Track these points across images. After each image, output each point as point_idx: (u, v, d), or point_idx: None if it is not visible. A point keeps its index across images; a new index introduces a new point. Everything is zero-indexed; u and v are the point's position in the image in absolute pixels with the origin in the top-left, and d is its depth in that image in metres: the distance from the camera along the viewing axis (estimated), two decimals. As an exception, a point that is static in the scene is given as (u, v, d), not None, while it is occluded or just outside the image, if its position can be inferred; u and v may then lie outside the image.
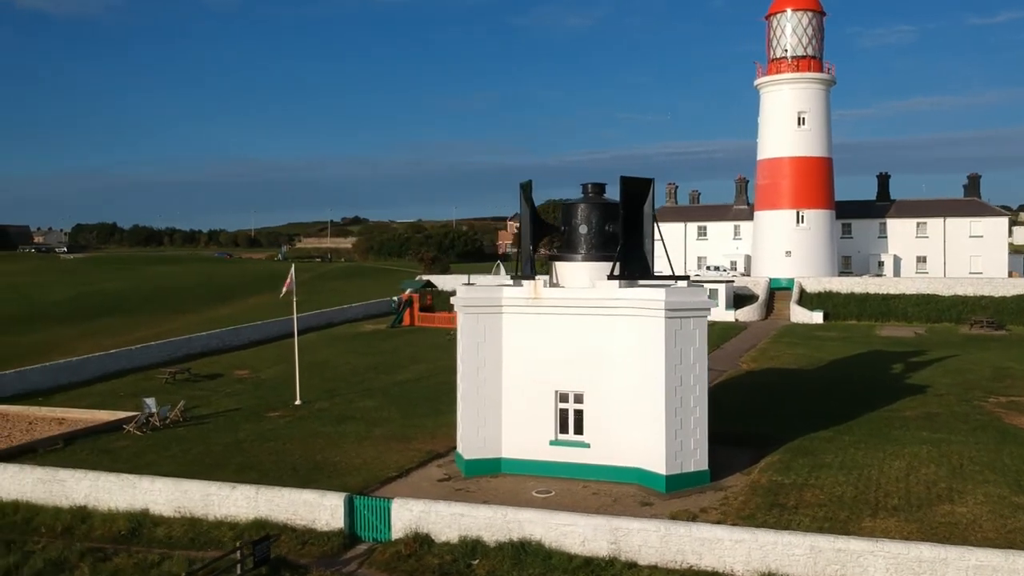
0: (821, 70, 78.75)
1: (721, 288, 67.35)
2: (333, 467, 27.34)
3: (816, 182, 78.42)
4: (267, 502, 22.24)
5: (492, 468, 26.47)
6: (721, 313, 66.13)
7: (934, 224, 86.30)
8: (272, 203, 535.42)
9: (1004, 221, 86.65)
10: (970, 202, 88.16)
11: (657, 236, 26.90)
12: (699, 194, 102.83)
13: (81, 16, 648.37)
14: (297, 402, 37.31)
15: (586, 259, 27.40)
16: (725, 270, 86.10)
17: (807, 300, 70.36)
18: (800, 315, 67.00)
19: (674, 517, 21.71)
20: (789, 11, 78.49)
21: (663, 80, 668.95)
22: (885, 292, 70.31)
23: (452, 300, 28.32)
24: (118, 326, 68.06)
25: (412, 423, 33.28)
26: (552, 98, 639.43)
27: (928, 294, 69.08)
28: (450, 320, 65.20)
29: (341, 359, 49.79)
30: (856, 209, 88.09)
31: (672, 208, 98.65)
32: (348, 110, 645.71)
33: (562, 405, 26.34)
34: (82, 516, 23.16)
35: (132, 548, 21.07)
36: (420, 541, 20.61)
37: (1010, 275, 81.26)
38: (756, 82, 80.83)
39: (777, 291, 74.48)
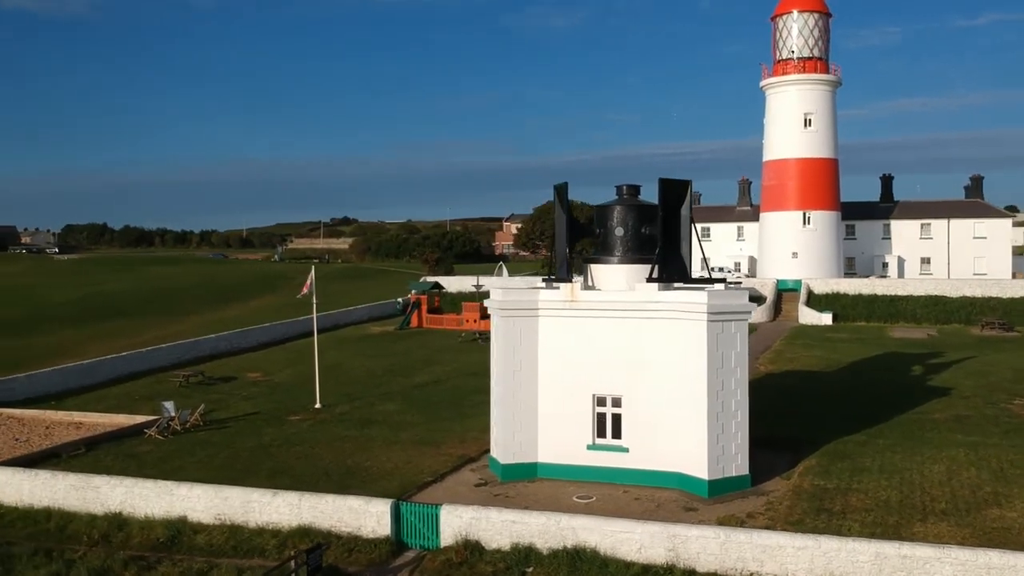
0: (827, 71, 78.71)
1: None
2: (366, 472, 26.94)
3: (823, 183, 78.33)
4: (310, 508, 21.81)
5: (528, 473, 26.11)
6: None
7: (938, 225, 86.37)
8: (261, 203, 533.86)
9: (1008, 222, 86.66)
10: (974, 203, 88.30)
11: (694, 238, 26.65)
12: (700, 195, 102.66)
13: (72, 17, 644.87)
14: (317, 405, 36.87)
15: (622, 261, 27.07)
16: (729, 271, 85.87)
17: (815, 301, 70.17)
18: (809, 316, 66.82)
19: (721, 523, 21.40)
20: (795, 12, 78.41)
21: (652, 81, 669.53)
22: (893, 293, 70.15)
23: (486, 303, 27.98)
24: (125, 328, 67.53)
25: (438, 427, 32.88)
26: (545, 98, 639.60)
27: (936, 295, 68.89)
28: (459, 322, 64.82)
29: (354, 362, 49.32)
30: (860, 210, 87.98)
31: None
32: (336, 110, 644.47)
33: (600, 409, 26.00)
34: (118, 523, 22.66)
35: (175, 556, 20.62)
36: (471, 548, 20.23)
37: (1014, 276, 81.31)
38: (762, 83, 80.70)
39: (784, 292, 74.34)
